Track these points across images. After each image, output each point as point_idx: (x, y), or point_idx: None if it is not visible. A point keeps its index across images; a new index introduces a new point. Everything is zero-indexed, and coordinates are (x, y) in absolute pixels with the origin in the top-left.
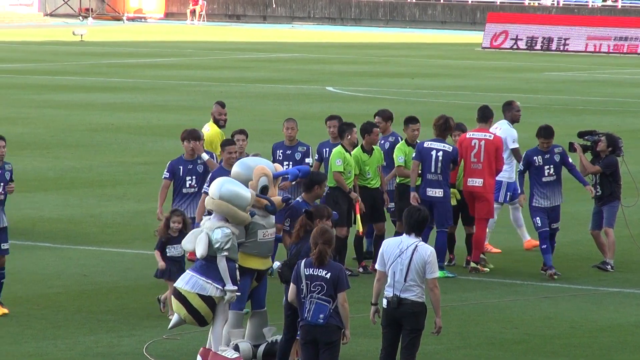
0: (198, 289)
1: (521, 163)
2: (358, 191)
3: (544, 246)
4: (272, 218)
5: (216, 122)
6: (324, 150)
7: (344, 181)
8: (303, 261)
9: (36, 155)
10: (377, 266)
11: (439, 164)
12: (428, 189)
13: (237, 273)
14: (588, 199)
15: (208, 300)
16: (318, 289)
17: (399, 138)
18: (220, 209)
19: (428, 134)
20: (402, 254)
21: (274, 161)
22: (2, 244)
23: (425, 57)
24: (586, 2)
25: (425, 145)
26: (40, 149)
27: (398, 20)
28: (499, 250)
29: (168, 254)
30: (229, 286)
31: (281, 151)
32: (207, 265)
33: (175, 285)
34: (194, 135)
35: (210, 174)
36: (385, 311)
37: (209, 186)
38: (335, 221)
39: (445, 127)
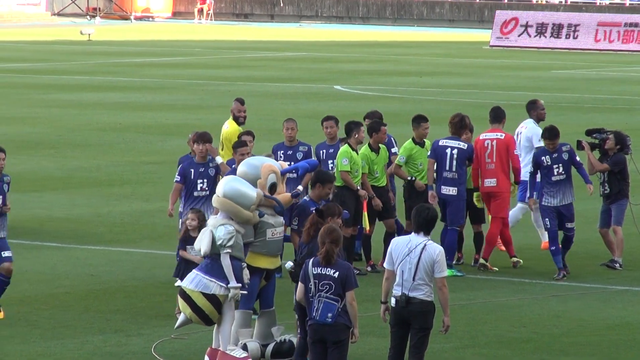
0: (202, 287)
1: (530, 165)
2: (368, 189)
3: (553, 247)
4: (281, 217)
5: (236, 119)
6: (321, 152)
7: (352, 180)
8: (311, 260)
9: (44, 155)
10: (385, 265)
11: (454, 162)
12: (443, 187)
13: (246, 272)
14: (596, 197)
15: (212, 298)
16: (326, 288)
17: (392, 138)
18: (224, 206)
19: (436, 132)
20: (411, 252)
21: None
22: (2, 252)
23: (433, 56)
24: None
25: (440, 143)
26: (48, 149)
27: (406, 19)
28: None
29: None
30: (233, 283)
31: (282, 152)
32: (212, 264)
33: (181, 284)
34: (204, 137)
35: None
36: (394, 310)
37: None
38: (346, 220)
39: (460, 125)
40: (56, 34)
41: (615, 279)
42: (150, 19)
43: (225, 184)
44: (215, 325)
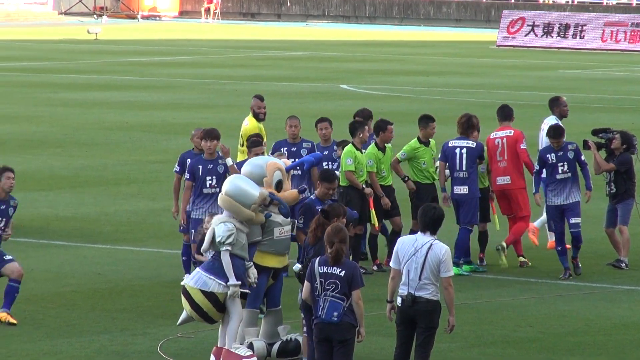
0: (200, 284)
1: (536, 163)
2: (377, 188)
3: (559, 248)
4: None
5: (256, 115)
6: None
7: (356, 179)
8: (317, 259)
9: (50, 154)
10: (391, 264)
11: (464, 161)
12: (455, 187)
13: (253, 271)
14: (602, 196)
15: (210, 296)
16: (332, 287)
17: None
18: (225, 204)
19: (442, 131)
20: (417, 252)
21: None
22: (4, 256)
23: (439, 55)
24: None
25: (449, 144)
26: (55, 147)
27: (412, 18)
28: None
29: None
30: (232, 281)
31: (285, 149)
32: (214, 262)
33: (183, 282)
34: (212, 134)
35: None
36: (400, 309)
37: None
38: (355, 220)
39: (468, 125)
40: (63, 33)
41: (621, 279)
42: (157, 18)
43: (229, 182)
44: (221, 324)
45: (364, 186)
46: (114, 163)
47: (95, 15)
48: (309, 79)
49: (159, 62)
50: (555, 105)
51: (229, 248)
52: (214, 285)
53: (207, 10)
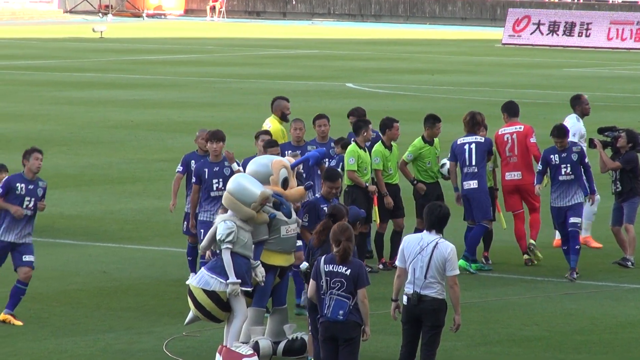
0: (202, 284)
1: (539, 162)
2: (382, 187)
3: (565, 247)
4: (294, 213)
5: (284, 117)
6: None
7: (359, 178)
8: (323, 257)
9: (56, 152)
10: (397, 263)
11: (473, 156)
12: (464, 182)
13: (261, 270)
14: (608, 195)
15: (212, 295)
16: (338, 285)
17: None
18: (226, 202)
19: (447, 130)
20: (423, 251)
21: None
22: (24, 256)
23: (445, 54)
24: None
25: (458, 142)
26: (60, 146)
27: (418, 17)
28: (600, 245)
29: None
30: (232, 279)
31: (290, 152)
32: (217, 261)
33: (187, 281)
34: (218, 136)
35: None
36: (406, 308)
37: None
38: (363, 218)
39: (473, 123)
40: (68, 32)
41: (627, 277)
42: (163, 17)
43: (232, 180)
44: (227, 323)
45: (367, 184)
46: (119, 161)
47: (100, 14)
48: (314, 77)
49: (164, 61)
50: (577, 104)
51: (229, 246)
52: (216, 284)
53: (213, 8)
